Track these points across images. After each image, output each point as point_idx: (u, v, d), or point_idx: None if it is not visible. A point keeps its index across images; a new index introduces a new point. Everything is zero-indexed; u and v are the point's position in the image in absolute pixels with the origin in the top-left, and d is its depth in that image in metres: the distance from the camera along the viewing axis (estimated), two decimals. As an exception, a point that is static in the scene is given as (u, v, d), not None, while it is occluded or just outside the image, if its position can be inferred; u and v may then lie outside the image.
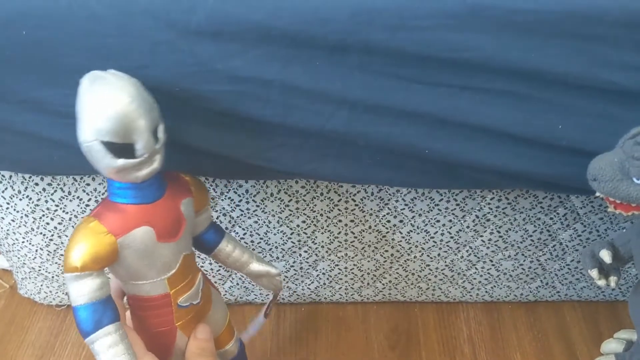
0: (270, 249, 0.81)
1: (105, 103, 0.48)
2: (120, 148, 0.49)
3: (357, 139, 0.60)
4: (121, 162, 0.49)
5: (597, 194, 0.55)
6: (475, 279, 0.86)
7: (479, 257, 0.83)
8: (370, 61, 0.55)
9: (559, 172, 0.60)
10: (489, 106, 0.57)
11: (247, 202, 0.75)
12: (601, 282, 0.66)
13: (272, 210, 0.76)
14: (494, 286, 0.87)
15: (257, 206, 0.76)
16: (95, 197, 0.74)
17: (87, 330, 0.51)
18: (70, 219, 0.77)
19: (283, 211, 0.76)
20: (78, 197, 0.74)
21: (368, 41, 0.54)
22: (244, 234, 0.79)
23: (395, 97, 0.57)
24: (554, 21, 0.52)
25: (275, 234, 0.79)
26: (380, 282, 0.87)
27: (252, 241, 0.80)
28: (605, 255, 0.63)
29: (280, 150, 0.61)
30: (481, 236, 0.80)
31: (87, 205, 0.75)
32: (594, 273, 0.65)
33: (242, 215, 0.76)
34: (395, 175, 0.65)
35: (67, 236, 0.79)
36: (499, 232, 0.79)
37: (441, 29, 0.53)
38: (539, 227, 0.78)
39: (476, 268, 0.85)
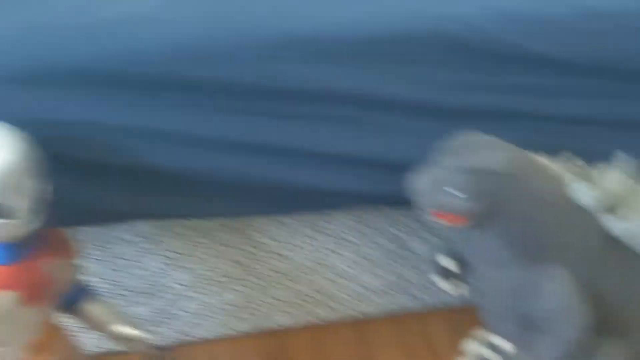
0: (129, 294, 0.78)
1: None
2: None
3: (192, 174, 0.60)
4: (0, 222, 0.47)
5: (421, 206, 0.57)
6: (342, 297, 0.88)
7: (339, 275, 0.84)
8: (197, 96, 0.56)
9: (393, 187, 0.63)
10: (319, 131, 0.59)
11: (98, 249, 0.73)
12: (446, 286, 0.70)
13: (124, 252, 0.74)
14: (361, 302, 0.89)
15: (109, 251, 0.73)
16: None
17: None
18: None
19: (138, 252, 0.74)
20: None
21: (191, 77, 0.55)
22: (98, 281, 0.75)
23: (222, 130, 0.58)
24: (370, 47, 0.55)
25: (132, 279, 0.76)
26: (249, 312, 0.87)
27: (107, 288, 0.77)
28: (443, 260, 0.67)
29: (114, 190, 0.60)
30: (339, 254, 0.81)
31: None
32: (436, 278, 0.68)
33: (85, 266, 0.73)
34: (239, 206, 0.66)
35: None
36: (357, 247, 0.81)
37: (261, 60, 0.55)
38: (391, 239, 0.81)
39: (340, 286, 0.86)
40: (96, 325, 0.61)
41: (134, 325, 0.62)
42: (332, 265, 0.82)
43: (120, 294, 0.77)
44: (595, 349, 0.60)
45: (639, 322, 0.63)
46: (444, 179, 0.55)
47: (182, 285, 0.79)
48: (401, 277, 0.87)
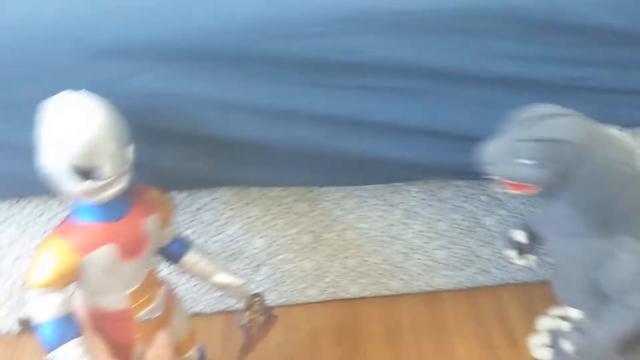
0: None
1: (74, 127, 0.48)
2: (88, 170, 0.50)
3: (271, 144, 0.63)
4: (88, 184, 0.50)
5: (494, 176, 0.58)
6: (413, 270, 0.89)
7: (413, 249, 0.86)
8: (274, 69, 0.59)
9: (465, 159, 0.64)
10: (389, 103, 0.61)
11: (184, 213, 0.77)
12: (520, 262, 0.70)
13: (208, 219, 0.78)
14: (432, 276, 0.91)
15: (194, 217, 0.78)
16: (33, 219, 0.75)
17: (51, 345, 0.52)
18: (10, 244, 0.78)
19: (218, 220, 0.78)
20: (15, 222, 0.75)
21: (269, 50, 0.57)
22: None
23: (300, 102, 0.60)
24: (438, 20, 0.56)
25: (214, 243, 0.81)
26: (323, 281, 0.90)
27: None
28: (518, 235, 0.67)
29: (199, 160, 0.64)
30: (412, 228, 0.83)
31: (25, 230, 0.76)
32: (510, 253, 0.69)
33: (177, 226, 0.78)
34: (317, 176, 0.69)
35: (8, 263, 0.80)
36: (428, 223, 0.82)
37: (336, 34, 0.57)
38: (465, 215, 0.82)
39: (412, 260, 0.88)
40: (200, 276, 0.66)
41: (234, 275, 0.68)
42: (403, 238, 0.84)
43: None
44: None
45: None
46: (514, 148, 0.55)
47: (259, 251, 0.83)
48: (472, 251, 0.87)
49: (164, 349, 0.62)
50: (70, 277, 0.52)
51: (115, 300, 0.57)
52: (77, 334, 0.53)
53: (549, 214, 0.61)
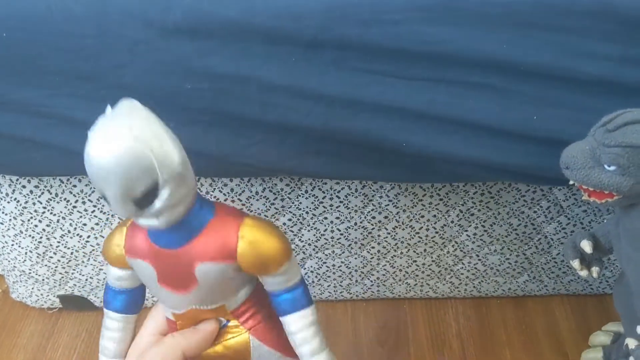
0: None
1: (89, 148, 0.41)
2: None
3: (335, 135, 0.61)
4: (107, 206, 0.48)
5: (571, 182, 0.55)
6: (462, 274, 0.87)
7: (465, 252, 0.83)
8: (345, 56, 0.56)
9: (536, 162, 0.61)
10: (465, 99, 0.58)
11: (233, 201, 0.76)
12: (583, 273, 0.67)
13: (258, 208, 0.77)
14: (482, 281, 0.88)
15: (243, 204, 0.76)
16: (82, 198, 0.75)
17: (103, 301, 0.55)
18: (58, 221, 0.78)
19: (269, 209, 0.77)
20: (65, 199, 0.75)
21: (342, 36, 0.55)
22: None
23: (371, 92, 0.57)
24: (523, 13, 0.53)
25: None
26: (369, 279, 0.88)
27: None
28: (586, 246, 0.64)
29: (261, 147, 0.62)
30: (466, 231, 0.80)
31: (74, 207, 0.76)
32: (575, 263, 0.65)
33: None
34: (376, 170, 0.66)
35: (55, 238, 0.80)
36: (483, 226, 0.80)
37: (414, 23, 0.54)
38: (523, 220, 0.79)
39: (463, 263, 0.85)
40: (292, 343, 0.53)
41: None
42: (456, 241, 0.81)
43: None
44: None
45: None
46: (595, 153, 0.52)
47: (306, 244, 0.82)
48: (527, 258, 0.84)
49: (196, 331, 0.52)
50: (119, 263, 0.52)
51: (164, 309, 0.54)
52: (119, 309, 0.54)
53: (625, 225, 0.58)
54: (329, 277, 0.87)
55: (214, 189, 0.74)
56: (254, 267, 0.48)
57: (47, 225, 0.78)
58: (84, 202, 0.75)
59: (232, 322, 0.53)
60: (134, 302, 0.55)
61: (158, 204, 0.42)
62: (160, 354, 0.51)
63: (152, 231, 0.47)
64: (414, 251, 0.83)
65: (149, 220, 0.44)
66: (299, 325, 0.51)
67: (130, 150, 0.40)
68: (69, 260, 0.83)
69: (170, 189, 0.42)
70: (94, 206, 0.76)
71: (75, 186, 0.74)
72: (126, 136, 0.40)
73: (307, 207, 0.77)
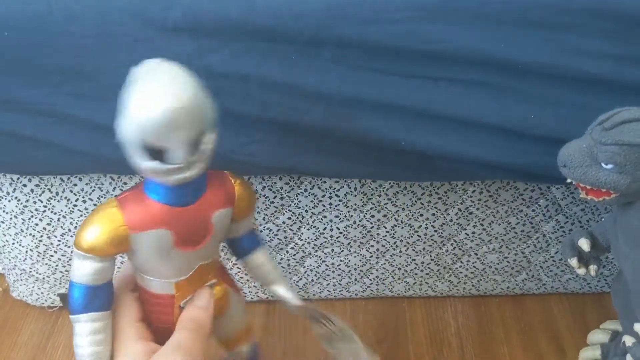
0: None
1: (150, 101, 0.42)
2: (157, 150, 0.45)
3: (335, 133, 0.61)
4: (149, 164, 0.45)
5: (569, 180, 0.56)
6: (461, 272, 0.87)
7: (463, 251, 0.84)
8: (345, 55, 0.57)
9: (534, 161, 0.61)
10: (463, 97, 0.58)
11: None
12: (581, 271, 0.67)
13: (257, 207, 0.77)
14: (480, 280, 0.88)
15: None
16: (83, 197, 0.75)
17: (74, 308, 0.50)
18: (58, 220, 0.78)
19: (268, 208, 0.77)
20: (66, 198, 0.75)
21: (342, 35, 0.55)
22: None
23: (370, 91, 0.58)
24: (521, 11, 0.53)
25: (261, 231, 0.80)
26: (368, 277, 0.88)
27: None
28: (584, 244, 0.64)
29: (260, 145, 0.62)
30: (465, 229, 0.81)
31: (75, 206, 0.76)
32: (573, 262, 0.66)
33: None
34: (375, 169, 0.66)
35: (55, 237, 0.80)
36: (482, 225, 0.80)
37: (413, 21, 0.54)
38: (522, 219, 0.79)
39: (462, 262, 0.85)
40: (259, 280, 0.61)
41: (293, 289, 0.62)
42: (455, 239, 0.82)
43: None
44: None
45: None
46: (593, 151, 0.53)
47: (305, 242, 0.82)
48: (525, 257, 0.84)
49: (200, 310, 0.55)
50: (114, 249, 0.49)
51: (159, 285, 0.54)
52: (101, 308, 0.50)
53: (622, 223, 0.58)
54: (328, 275, 0.87)
55: (214, 187, 0.75)
56: (246, 207, 0.55)
57: (48, 224, 0.79)
58: (84, 201, 0.76)
59: (213, 281, 0.57)
60: (110, 295, 0.52)
61: (204, 147, 0.46)
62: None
63: (166, 193, 0.49)
64: (413, 250, 0.83)
65: (182, 174, 0.46)
66: (266, 257, 0.60)
67: (198, 92, 0.44)
68: (70, 259, 0.84)
69: (213, 132, 0.47)
70: (95, 205, 0.76)
71: (75, 185, 0.74)
72: (188, 80, 0.44)
73: (306, 205, 0.77)
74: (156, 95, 0.42)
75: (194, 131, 0.45)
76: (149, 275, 0.53)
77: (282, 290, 0.61)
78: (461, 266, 0.86)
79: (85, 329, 0.50)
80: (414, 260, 0.85)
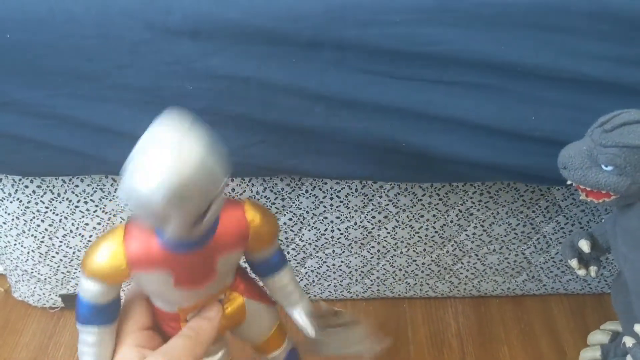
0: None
1: (150, 178, 0.39)
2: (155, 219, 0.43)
3: (335, 135, 0.61)
4: (151, 226, 0.44)
5: (569, 182, 0.56)
6: (461, 273, 0.87)
7: (464, 252, 0.84)
8: (344, 57, 0.57)
9: (534, 162, 0.61)
10: (462, 99, 0.58)
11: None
12: (581, 272, 0.67)
13: (258, 208, 0.77)
14: (481, 280, 0.88)
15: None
16: (84, 198, 0.75)
17: (79, 318, 0.51)
18: (60, 221, 0.78)
19: (269, 209, 0.77)
20: (67, 199, 0.75)
21: (341, 37, 0.56)
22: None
23: (370, 92, 0.58)
24: (520, 13, 0.54)
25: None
26: (369, 278, 0.88)
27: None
28: (584, 245, 0.64)
29: (261, 146, 0.62)
30: (465, 230, 0.81)
31: (77, 207, 0.76)
32: (573, 263, 0.66)
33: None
34: (376, 170, 0.67)
35: (57, 238, 0.81)
36: (482, 226, 0.80)
37: (412, 24, 0.55)
38: (522, 220, 0.79)
39: (462, 262, 0.85)
40: (277, 299, 0.59)
41: (310, 315, 0.59)
42: (455, 240, 0.82)
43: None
44: None
45: None
46: (592, 153, 0.53)
47: (306, 243, 0.82)
48: (525, 258, 0.85)
49: (203, 321, 0.54)
50: (115, 280, 0.49)
51: (163, 306, 0.53)
52: (104, 322, 0.51)
53: (622, 225, 0.58)
54: (329, 276, 0.87)
55: (215, 188, 0.75)
56: (265, 242, 0.52)
57: (50, 225, 0.79)
58: (86, 202, 0.76)
59: (226, 295, 0.55)
60: (116, 310, 0.52)
61: (209, 216, 0.42)
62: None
63: (169, 245, 0.46)
64: (414, 251, 0.83)
65: (186, 235, 0.44)
66: (289, 277, 0.57)
67: (205, 161, 0.40)
68: (71, 260, 0.84)
69: (220, 199, 0.43)
70: (96, 206, 0.76)
71: (77, 186, 0.74)
72: (195, 148, 0.40)
73: (307, 206, 0.77)
74: (157, 172, 0.39)
75: (196, 207, 0.41)
76: (153, 299, 0.53)
77: (300, 319, 0.58)
78: (462, 267, 0.86)
79: (89, 340, 0.51)
80: (415, 261, 0.85)
